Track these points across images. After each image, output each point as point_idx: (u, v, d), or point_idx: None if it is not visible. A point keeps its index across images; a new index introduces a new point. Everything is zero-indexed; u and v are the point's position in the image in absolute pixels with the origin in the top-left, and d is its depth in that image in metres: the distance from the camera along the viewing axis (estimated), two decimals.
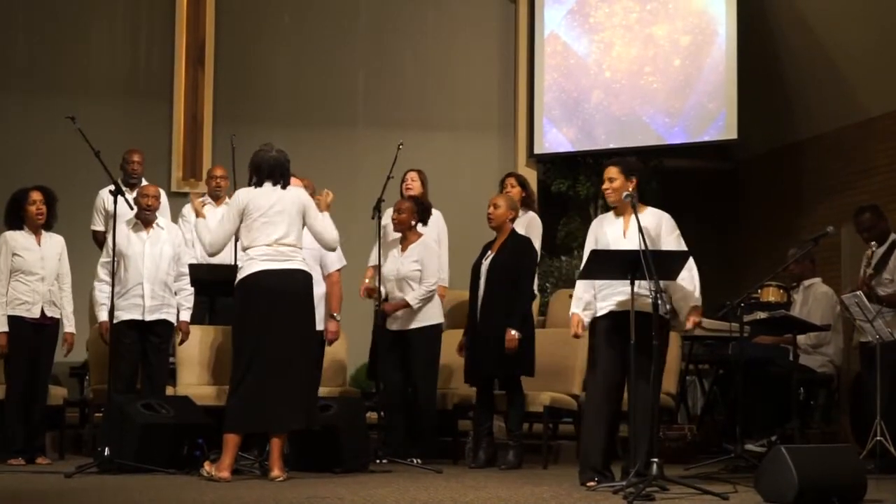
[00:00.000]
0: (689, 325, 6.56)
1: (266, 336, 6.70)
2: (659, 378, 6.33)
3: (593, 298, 6.53)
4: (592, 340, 6.53)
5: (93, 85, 11.15)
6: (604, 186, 6.61)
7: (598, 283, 6.51)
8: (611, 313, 6.44)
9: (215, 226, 7.12)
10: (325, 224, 7.04)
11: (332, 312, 7.93)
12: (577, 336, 6.58)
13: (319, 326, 7.71)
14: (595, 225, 6.73)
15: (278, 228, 6.82)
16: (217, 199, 9.16)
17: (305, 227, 7.00)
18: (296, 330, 6.78)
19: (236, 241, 7.16)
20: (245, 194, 6.95)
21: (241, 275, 6.85)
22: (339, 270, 8.01)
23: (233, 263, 7.77)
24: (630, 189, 6.48)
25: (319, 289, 7.70)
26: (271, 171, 6.94)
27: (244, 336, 6.80)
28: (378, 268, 8.12)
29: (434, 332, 8.22)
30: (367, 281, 8.75)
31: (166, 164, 11.11)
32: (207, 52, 11.32)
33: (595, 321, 6.52)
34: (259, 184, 6.94)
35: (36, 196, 7.94)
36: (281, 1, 11.73)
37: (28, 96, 10.97)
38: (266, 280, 6.75)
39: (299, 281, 6.85)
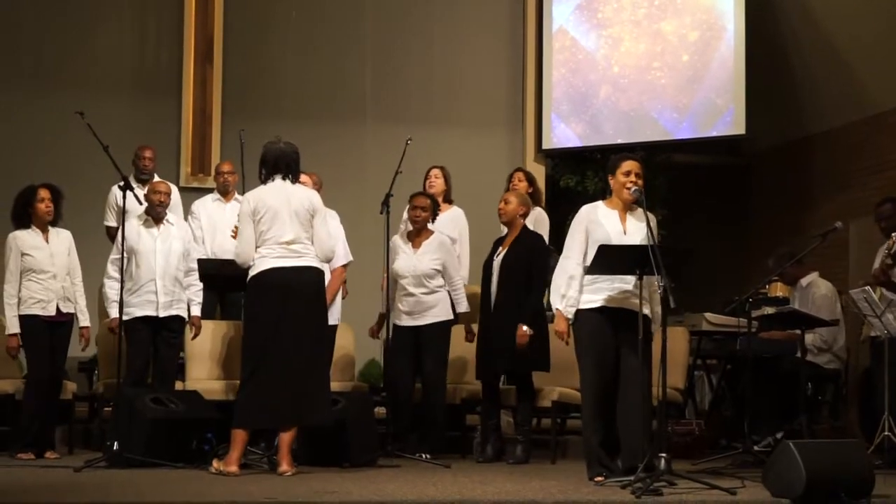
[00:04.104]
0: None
1: (277, 332, 6.69)
2: (648, 373, 6.31)
3: (580, 292, 6.42)
4: (579, 333, 6.44)
5: (101, 81, 11.15)
6: (630, 179, 6.43)
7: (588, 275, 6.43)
8: (601, 308, 6.38)
9: (237, 240, 7.00)
10: (328, 235, 6.98)
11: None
12: (563, 339, 6.46)
13: (332, 321, 7.74)
14: (587, 213, 6.54)
15: (289, 228, 6.77)
16: (225, 194, 9.20)
17: None
18: (307, 326, 6.76)
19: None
20: (253, 196, 6.90)
21: (252, 272, 6.81)
22: (344, 266, 8.04)
23: None
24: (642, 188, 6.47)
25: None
26: (276, 163, 6.89)
27: (255, 332, 6.80)
28: (386, 265, 8.14)
29: (446, 327, 8.25)
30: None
31: (175, 160, 11.12)
32: (216, 47, 11.32)
33: (580, 313, 6.42)
34: (267, 177, 6.91)
35: (44, 193, 7.95)
36: None
37: (36, 92, 10.97)
38: (277, 277, 6.73)
39: (311, 278, 6.82)
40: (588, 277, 6.41)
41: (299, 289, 6.75)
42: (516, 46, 12.12)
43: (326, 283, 7.20)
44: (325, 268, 7.26)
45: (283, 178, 6.89)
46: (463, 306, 8.27)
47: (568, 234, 6.61)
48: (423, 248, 8.23)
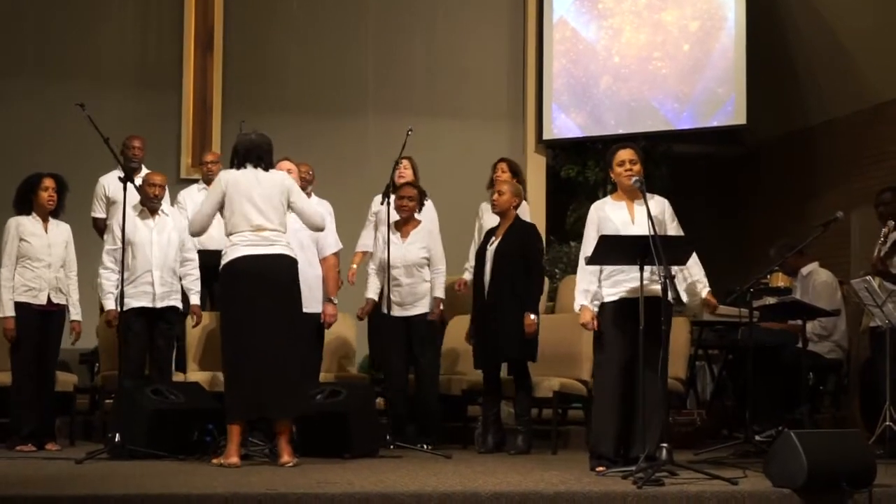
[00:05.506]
0: (707, 307, 6.67)
1: (251, 322, 6.65)
2: (666, 363, 6.30)
3: (599, 287, 6.48)
4: (600, 326, 6.48)
5: (102, 72, 11.15)
6: (625, 168, 6.49)
7: (606, 268, 6.47)
8: (621, 300, 6.42)
9: (198, 209, 7.02)
10: (309, 205, 6.99)
11: (328, 297, 7.93)
12: (590, 329, 6.51)
13: (317, 308, 7.73)
14: (595, 211, 6.62)
15: (260, 213, 6.74)
16: (210, 183, 9.17)
17: (292, 211, 6.95)
18: (281, 315, 6.71)
19: None
20: (226, 175, 6.88)
21: (224, 260, 6.78)
22: (335, 254, 8.03)
23: None
24: (640, 174, 6.48)
25: (316, 270, 7.73)
26: (247, 152, 6.87)
27: (230, 323, 6.76)
28: (388, 256, 8.14)
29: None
30: (354, 267, 8.80)
31: (175, 151, 11.12)
32: (216, 38, 11.32)
33: (603, 306, 6.47)
34: (239, 166, 6.88)
35: (49, 182, 7.95)
36: None
37: (37, 84, 10.96)
38: (249, 265, 6.68)
39: (283, 266, 6.77)
40: (606, 272, 6.45)
41: (272, 277, 6.71)
42: (517, 37, 12.10)
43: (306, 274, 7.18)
44: (300, 256, 7.17)
45: (255, 167, 6.86)
46: (438, 291, 8.25)
47: (583, 235, 6.65)
48: (412, 237, 8.26)
